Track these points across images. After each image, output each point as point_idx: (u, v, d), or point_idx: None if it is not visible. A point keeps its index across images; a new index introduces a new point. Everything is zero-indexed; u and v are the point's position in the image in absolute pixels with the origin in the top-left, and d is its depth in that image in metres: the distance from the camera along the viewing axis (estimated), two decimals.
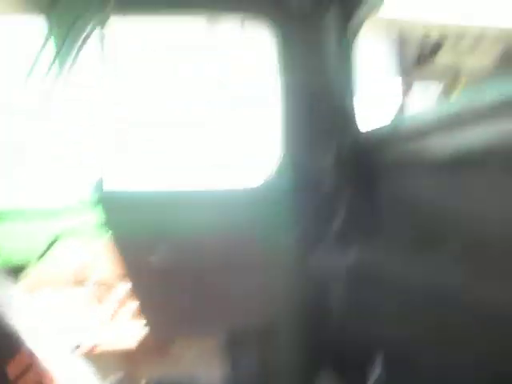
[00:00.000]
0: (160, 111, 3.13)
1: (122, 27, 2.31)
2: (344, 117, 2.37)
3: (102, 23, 2.06)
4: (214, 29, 2.59)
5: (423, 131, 1.82)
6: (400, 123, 2.09)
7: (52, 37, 2.15)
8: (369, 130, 2.31)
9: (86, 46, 2.17)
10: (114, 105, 2.30)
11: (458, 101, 2.41)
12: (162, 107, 3.14)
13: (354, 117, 2.37)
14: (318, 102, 2.38)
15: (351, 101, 2.37)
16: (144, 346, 2.76)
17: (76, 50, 2.14)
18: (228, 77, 3.13)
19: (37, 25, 2.19)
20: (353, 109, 2.37)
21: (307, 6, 2.33)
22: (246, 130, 3.08)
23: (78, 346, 2.70)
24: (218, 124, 3.11)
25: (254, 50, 2.76)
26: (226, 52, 3.00)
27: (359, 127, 2.36)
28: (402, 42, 8.65)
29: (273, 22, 2.33)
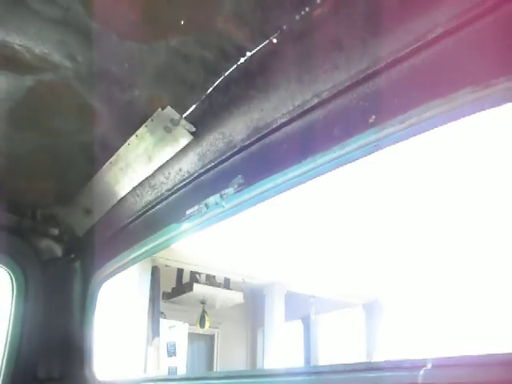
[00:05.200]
0: None
1: None
2: (80, 359, 2.39)
3: None
4: None
5: None
6: None
7: None
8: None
9: None
10: None
11: None
12: None
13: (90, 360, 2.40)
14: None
15: (90, 344, 2.42)
16: None
17: None
18: None
19: None
20: (90, 352, 2.41)
21: (53, 252, 2.45)
22: None
23: None
24: None
25: None
26: None
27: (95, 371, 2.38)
28: (155, 275, 9.11)
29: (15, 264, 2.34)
